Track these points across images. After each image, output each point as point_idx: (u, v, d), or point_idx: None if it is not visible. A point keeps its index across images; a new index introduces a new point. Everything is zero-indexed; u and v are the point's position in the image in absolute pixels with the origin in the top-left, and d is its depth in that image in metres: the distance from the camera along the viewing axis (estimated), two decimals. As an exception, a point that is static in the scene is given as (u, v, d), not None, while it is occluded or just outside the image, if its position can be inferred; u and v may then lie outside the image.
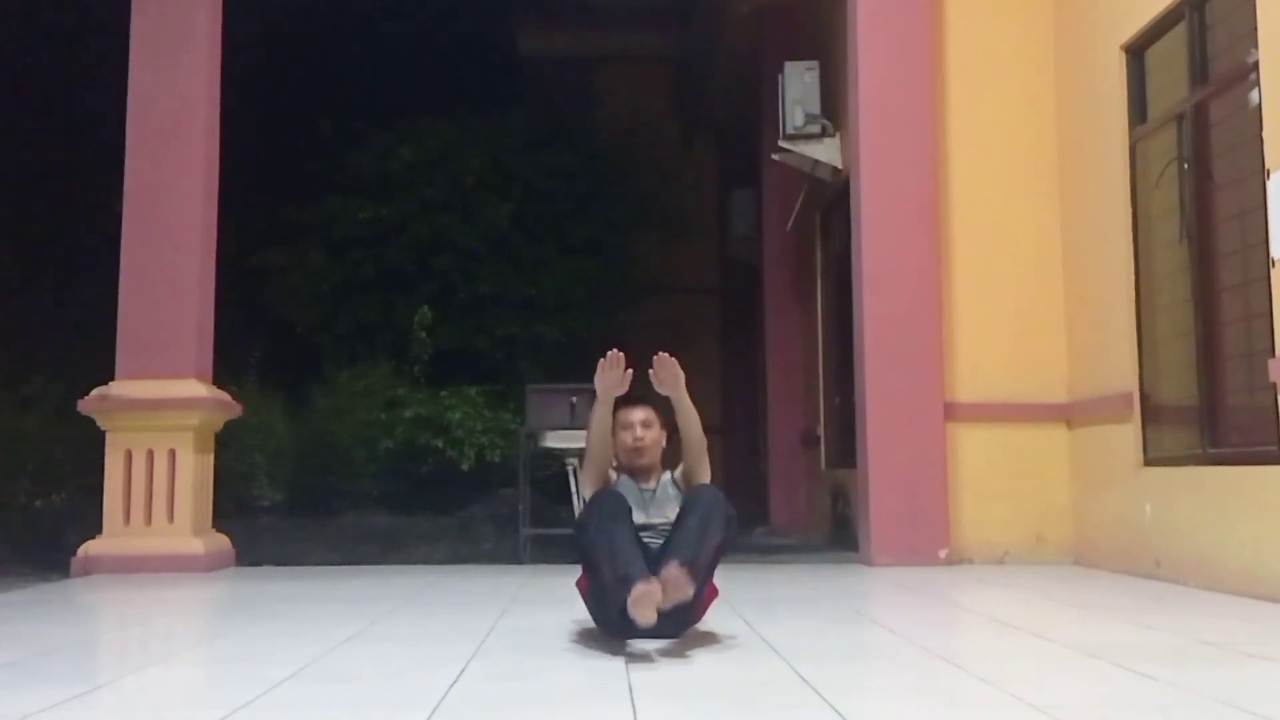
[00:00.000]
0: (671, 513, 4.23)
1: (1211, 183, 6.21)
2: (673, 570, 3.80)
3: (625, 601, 3.77)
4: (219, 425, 7.84)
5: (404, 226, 11.87)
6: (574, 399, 7.88)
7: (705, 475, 4.33)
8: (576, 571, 4.30)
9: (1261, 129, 5.50)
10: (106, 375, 7.50)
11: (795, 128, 9.08)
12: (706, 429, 4.31)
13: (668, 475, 4.45)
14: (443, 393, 10.77)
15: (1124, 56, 6.99)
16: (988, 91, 7.91)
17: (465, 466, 10.39)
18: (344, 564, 7.84)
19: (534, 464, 8.54)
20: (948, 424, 7.52)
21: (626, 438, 4.36)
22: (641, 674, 3.55)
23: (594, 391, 4.31)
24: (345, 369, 11.14)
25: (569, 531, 8.18)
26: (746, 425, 14.08)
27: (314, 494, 10.26)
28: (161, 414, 7.36)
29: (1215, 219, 6.17)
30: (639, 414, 4.38)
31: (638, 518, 4.19)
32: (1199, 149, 6.27)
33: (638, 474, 4.40)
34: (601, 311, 12.31)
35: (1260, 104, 5.53)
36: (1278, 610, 5.08)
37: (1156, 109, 6.79)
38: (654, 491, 4.37)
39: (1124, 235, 6.95)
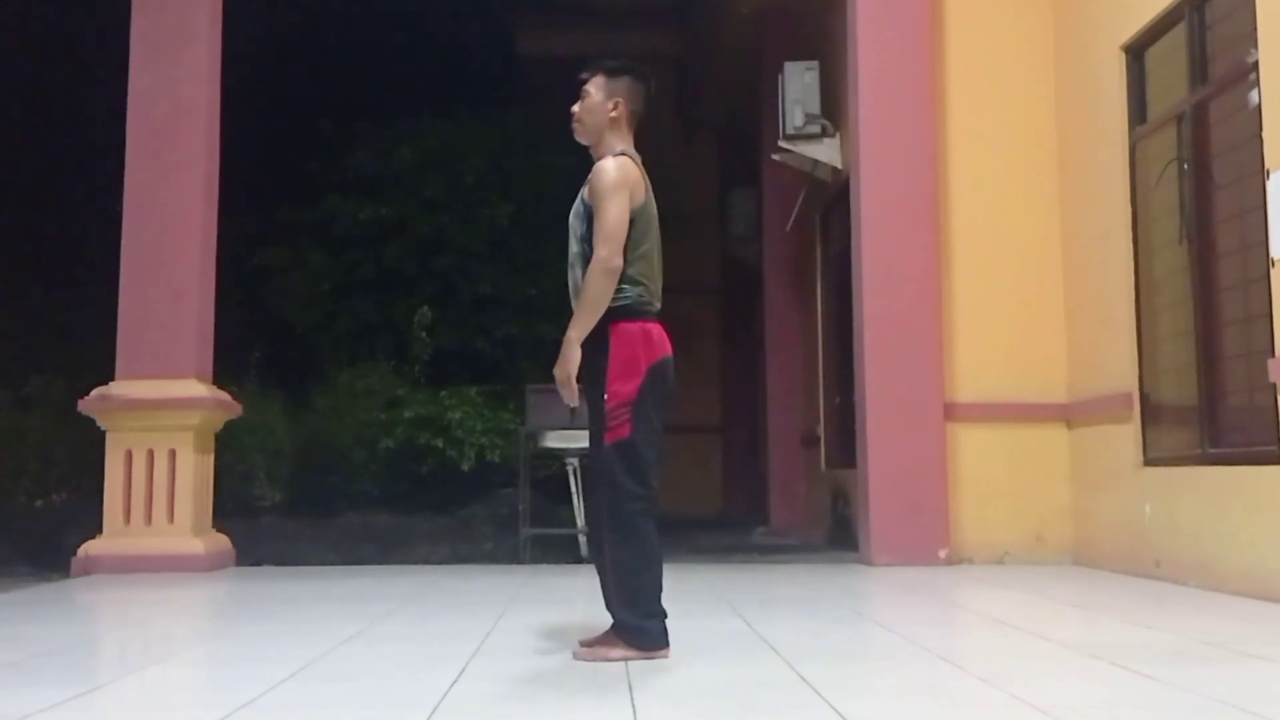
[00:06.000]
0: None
1: (1211, 183, 6.21)
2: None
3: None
4: (219, 425, 7.84)
5: (404, 226, 11.86)
6: (574, 399, 7.87)
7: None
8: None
9: (1261, 129, 5.50)
10: (106, 375, 7.50)
11: (795, 128, 9.08)
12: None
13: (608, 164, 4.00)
14: (443, 393, 10.75)
15: (1124, 56, 6.99)
16: (987, 91, 7.91)
17: (465, 466, 10.37)
18: (344, 564, 7.85)
19: (534, 464, 8.54)
20: (948, 424, 7.52)
21: None
22: (641, 674, 3.55)
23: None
24: (345, 369, 11.13)
25: (569, 531, 8.27)
26: (746, 425, 14.07)
27: (314, 494, 10.25)
28: (161, 414, 7.37)
29: (1215, 219, 6.17)
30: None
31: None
32: (1199, 149, 6.27)
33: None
34: None
35: (1260, 104, 5.53)
36: (1278, 610, 5.08)
37: (1156, 109, 6.79)
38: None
39: (1124, 235, 6.95)
